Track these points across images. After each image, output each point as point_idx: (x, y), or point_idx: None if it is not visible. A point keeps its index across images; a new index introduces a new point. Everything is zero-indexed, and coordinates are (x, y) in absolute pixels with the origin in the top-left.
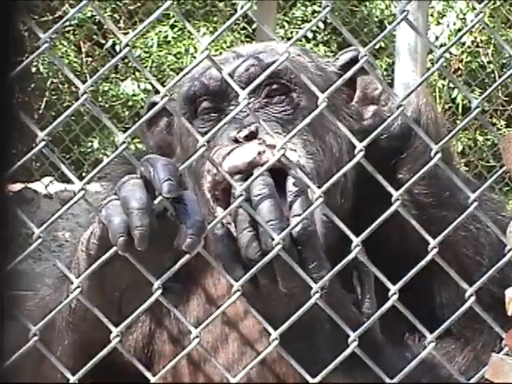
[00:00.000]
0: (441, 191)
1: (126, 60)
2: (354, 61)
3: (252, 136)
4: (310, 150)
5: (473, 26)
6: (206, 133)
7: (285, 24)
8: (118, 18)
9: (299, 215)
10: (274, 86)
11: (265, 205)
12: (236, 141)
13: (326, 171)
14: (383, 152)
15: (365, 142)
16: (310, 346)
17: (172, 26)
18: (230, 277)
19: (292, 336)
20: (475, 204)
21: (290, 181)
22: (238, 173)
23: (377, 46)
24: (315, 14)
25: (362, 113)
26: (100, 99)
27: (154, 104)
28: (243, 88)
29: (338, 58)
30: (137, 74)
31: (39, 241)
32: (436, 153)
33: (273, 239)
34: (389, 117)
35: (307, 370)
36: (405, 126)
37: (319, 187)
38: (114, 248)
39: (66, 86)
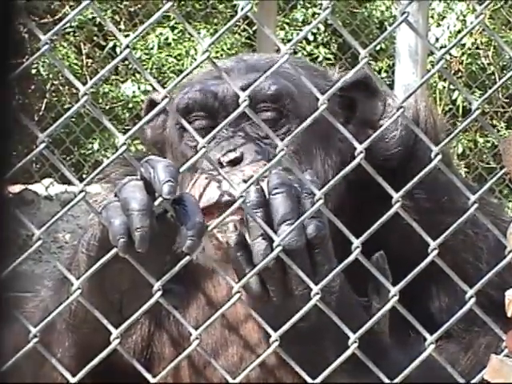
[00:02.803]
0: (440, 195)
1: (126, 62)
2: (357, 83)
3: (236, 161)
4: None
5: (473, 28)
6: (195, 147)
7: (285, 26)
8: (118, 19)
9: (313, 218)
10: (267, 111)
11: (280, 205)
12: (220, 164)
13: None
14: (384, 157)
15: (365, 144)
16: (317, 349)
17: (172, 28)
18: (228, 278)
19: (298, 338)
20: (475, 206)
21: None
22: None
23: (377, 48)
24: (315, 16)
25: (359, 135)
26: (100, 101)
27: (153, 101)
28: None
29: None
30: (137, 75)
31: (39, 242)
32: (436, 155)
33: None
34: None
35: (313, 372)
36: (405, 132)
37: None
38: (115, 249)
39: (67, 87)
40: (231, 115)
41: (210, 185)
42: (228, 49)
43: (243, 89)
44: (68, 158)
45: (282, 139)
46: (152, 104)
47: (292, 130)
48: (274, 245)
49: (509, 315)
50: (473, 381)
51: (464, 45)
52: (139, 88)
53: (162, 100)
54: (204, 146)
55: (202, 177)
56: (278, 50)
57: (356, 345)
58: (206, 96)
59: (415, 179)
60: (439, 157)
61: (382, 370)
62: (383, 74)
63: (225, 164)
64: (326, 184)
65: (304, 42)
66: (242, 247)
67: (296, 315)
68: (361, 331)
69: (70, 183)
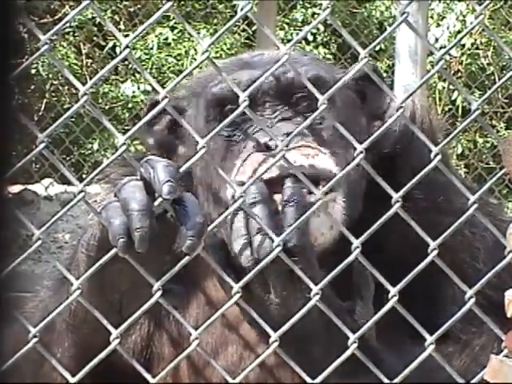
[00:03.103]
0: (438, 196)
1: (126, 62)
2: (366, 76)
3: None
4: (338, 161)
5: (473, 28)
6: (228, 136)
7: (285, 26)
8: (118, 19)
9: (291, 225)
10: (301, 99)
11: (258, 212)
12: (268, 147)
13: (353, 180)
14: (382, 157)
15: (365, 144)
16: (304, 352)
17: (172, 28)
18: (229, 279)
19: (287, 341)
20: (475, 206)
21: (286, 190)
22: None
23: (377, 48)
24: (315, 16)
25: (369, 127)
26: (100, 101)
27: (156, 103)
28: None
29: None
30: (137, 75)
31: (39, 242)
32: (436, 155)
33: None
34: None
35: (311, 372)
36: (402, 130)
37: (346, 196)
38: (114, 250)
39: (66, 87)
40: (232, 115)
41: (266, 160)
42: (228, 49)
43: (276, 77)
44: (68, 158)
45: (319, 124)
46: (155, 105)
47: (327, 117)
48: (274, 244)
49: (509, 315)
50: (473, 381)
51: (464, 45)
52: (139, 88)
53: (162, 100)
54: (203, 147)
55: (254, 154)
56: (278, 50)
57: (355, 345)
58: (241, 86)
59: (414, 179)
60: (439, 157)
61: (373, 374)
62: (383, 74)
63: (273, 147)
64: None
65: (304, 42)
66: (221, 246)
67: (293, 319)
68: (360, 332)
69: (69, 183)
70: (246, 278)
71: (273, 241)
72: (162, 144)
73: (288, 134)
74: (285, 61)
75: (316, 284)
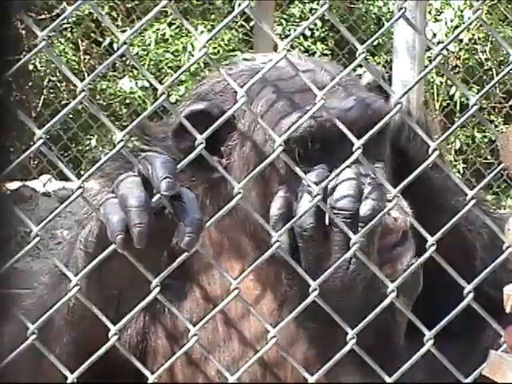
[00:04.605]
0: (433, 192)
1: (123, 58)
2: (376, 85)
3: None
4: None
5: (470, 23)
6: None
7: (283, 21)
8: (115, 15)
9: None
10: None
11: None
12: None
13: None
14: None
15: (362, 140)
16: (334, 332)
17: (170, 24)
18: (227, 275)
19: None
20: (473, 201)
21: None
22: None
23: (375, 43)
24: (313, 12)
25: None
26: (98, 97)
27: (195, 113)
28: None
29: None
30: (134, 71)
31: (37, 239)
32: (434, 150)
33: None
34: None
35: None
36: (398, 126)
37: None
38: (113, 246)
39: (64, 83)
40: (230, 110)
41: None
42: (225, 45)
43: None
44: (66, 155)
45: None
46: (196, 115)
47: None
48: (272, 240)
49: (507, 311)
50: (471, 376)
51: (461, 40)
52: (137, 84)
53: (160, 96)
54: (201, 143)
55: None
56: (276, 46)
57: (354, 341)
58: (327, 126)
59: (413, 174)
60: (437, 152)
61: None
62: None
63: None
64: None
65: (301, 37)
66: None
67: (297, 308)
68: (359, 327)
69: (67, 179)
70: (242, 276)
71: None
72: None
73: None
74: (282, 57)
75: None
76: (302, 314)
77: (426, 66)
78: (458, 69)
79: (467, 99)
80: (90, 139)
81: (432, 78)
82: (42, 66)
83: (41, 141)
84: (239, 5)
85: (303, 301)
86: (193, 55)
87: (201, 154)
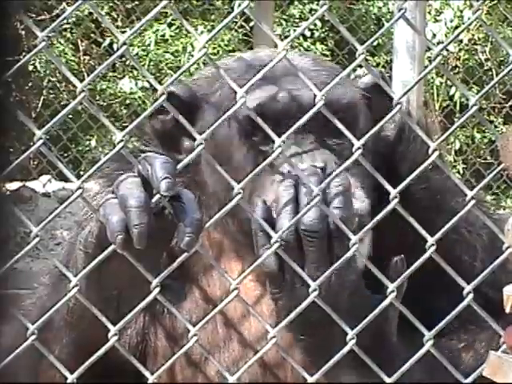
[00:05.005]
0: (432, 194)
1: (123, 58)
2: (374, 85)
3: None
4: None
5: (470, 24)
6: (262, 146)
7: (282, 22)
8: (115, 16)
9: (339, 208)
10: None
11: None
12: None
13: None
14: (378, 153)
15: (362, 140)
16: (327, 342)
17: (169, 25)
18: (227, 276)
19: (309, 330)
20: (473, 202)
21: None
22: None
23: (374, 44)
24: (312, 12)
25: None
26: (98, 97)
27: (170, 93)
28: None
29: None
30: (134, 72)
31: (37, 239)
32: (434, 150)
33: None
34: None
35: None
36: (397, 127)
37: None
38: (112, 246)
39: (64, 84)
40: (231, 110)
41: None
42: (225, 45)
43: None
44: (65, 155)
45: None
46: (171, 96)
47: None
48: (272, 241)
49: (507, 311)
50: (471, 377)
51: (461, 41)
52: (136, 85)
53: (160, 97)
54: (201, 143)
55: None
56: (276, 47)
57: (354, 341)
58: (282, 102)
59: (412, 175)
60: (437, 152)
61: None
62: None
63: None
64: None
65: (301, 38)
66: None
67: (294, 312)
68: (358, 328)
69: (67, 180)
70: (242, 276)
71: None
72: (165, 134)
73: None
74: (282, 57)
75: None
76: (291, 326)
77: (425, 67)
78: (457, 69)
79: (467, 99)
80: (90, 140)
81: (432, 78)
82: (41, 67)
83: (40, 141)
84: (239, 5)
85: (293, 311)
86: (193, 55)
87: None
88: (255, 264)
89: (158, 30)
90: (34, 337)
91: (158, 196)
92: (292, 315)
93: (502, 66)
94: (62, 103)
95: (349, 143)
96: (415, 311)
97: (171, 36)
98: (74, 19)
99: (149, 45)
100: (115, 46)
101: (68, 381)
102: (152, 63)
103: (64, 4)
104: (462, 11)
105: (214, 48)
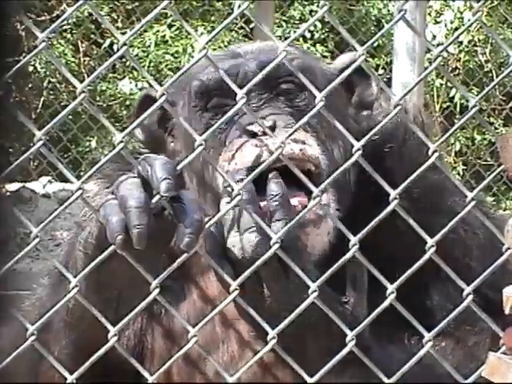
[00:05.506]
0: (430, 194)
1: (123, 59)
2: (352, 63)
3: (270, 129)
4: (323, 148)
5: (470, 25)
6: (213, 124)
7: (282, 23)
8: (115, 17)
9: (280, 220)
10: (286, 85)
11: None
12: (253, 135)
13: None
14: (377, 152)
15: (362, 141)
16: (300, 347)
17: (169, 26)
18: (226, 275)
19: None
20: (473, 203)
21: (272, 184)
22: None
23: (374, 45)
24: (313, 13)
25: (358, 117)
26: (98, 98)
27: (148, 97)
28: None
29: (335, 61)
30: (134, 73)
31: (37, 240)
32: (433, 152)
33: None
34: (384, 117)
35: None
36: (395, 127)
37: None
38: (112, 247)
39: (64, 85)
40: (231, 111)
41: (256, 149)
42: (225, 46)
43: (260, 68)
44: (65, 156)
45: (305, 110)
46: (148, 100)
47: (311, 103)
48: (272, 242)
49: (506, 312)
50: (470, 378)
51: (461, 42)
52: (136, 85)
53: (160, 97)
54: (201, 144)
55: (245, 144)
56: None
57: (353, 342)
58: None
59: (412, 176)
60: (436, 154)
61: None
62: (381, 71)
63: (259, 133)
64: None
65: (301, 39)
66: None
67: (291, 316)
68: (358, 329)
69: (67, 181)
70: (243, 276)
71: (269, 239)
72: (152, 138)
73: (274, 120)
74: (282, 57)
75: (312, 281)
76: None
77: (425, 68)
78: (457, 71)
79: (467, 101)
80: (90, 141)
81: (432, 79)
82: (41, 68)
83: (40, 142)
84: (239, 6)
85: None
86: (193, 57)
87: None
88: (255, 264)
89: (158, 31)
90: (33, 337)
91: (157, 197)
92: (292, 315)
93: (502, 68)
94: (62, 104)
95: (302, 101)
96: (408, 309)
97: (171, 37)
98: (74, 20)
99: (149, 46)
100: (115, 47)
101: (67, 381)
102: (152, 64)
103: (64, 5)
104: (462, 13)
105: (214, 49)
